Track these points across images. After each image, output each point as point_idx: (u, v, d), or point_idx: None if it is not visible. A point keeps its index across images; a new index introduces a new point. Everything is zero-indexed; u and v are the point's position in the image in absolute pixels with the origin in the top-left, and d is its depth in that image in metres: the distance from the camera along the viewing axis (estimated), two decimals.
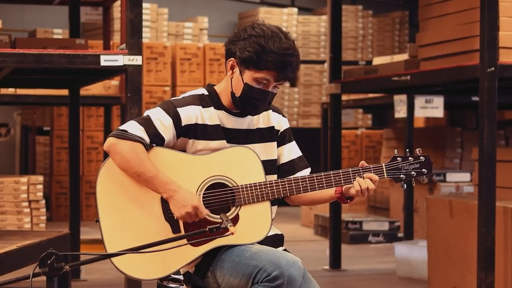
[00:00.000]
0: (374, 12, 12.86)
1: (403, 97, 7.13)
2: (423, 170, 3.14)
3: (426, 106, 6.79)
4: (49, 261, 2.47)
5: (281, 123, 3.28)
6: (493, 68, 4.89)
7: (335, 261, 6.93)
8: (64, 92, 6.75)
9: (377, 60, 8.10)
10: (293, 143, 3.29)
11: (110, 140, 3.04)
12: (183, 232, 3.02)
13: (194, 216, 2.99)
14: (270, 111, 3.26)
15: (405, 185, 3.16)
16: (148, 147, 3.04)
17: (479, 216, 4.97)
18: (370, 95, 8.76)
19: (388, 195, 9.42)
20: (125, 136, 3.02)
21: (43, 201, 7.60)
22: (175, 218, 3.04)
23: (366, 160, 11.08)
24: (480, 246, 4.94)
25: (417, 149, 3.18)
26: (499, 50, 4.95)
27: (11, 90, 7.57)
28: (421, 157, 3.15)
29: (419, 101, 6.77)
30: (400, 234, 8.39)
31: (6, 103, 9.28)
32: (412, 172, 3.13)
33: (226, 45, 3.15)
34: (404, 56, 6.96)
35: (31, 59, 4.41)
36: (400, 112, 7.11)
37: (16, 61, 4.42)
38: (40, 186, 7.54)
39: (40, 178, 7.64)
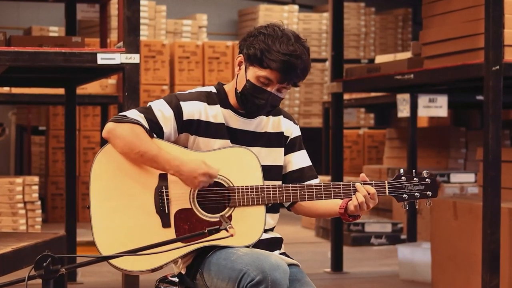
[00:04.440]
0: (377, 9, 12.82)
1: (406, 96, 7.10)
2: (428, 192, 3.07)
3: (430, 105, 6.75)
4: (44, 264, 2.43)
5: (291, 130, 3.24)
6: (498, 67, 4.86)
7: (337, 263, 6.90)
8: (60, 91, 6.72)
9: (380, 58, 8.06)
10: (303, 152, 3.25)
11: (109, 125, 3.02)
12: (172, 226, 2.99)
13: (208, 180, 2.98)
14: (281, 116, 3.23)
15: (407, 205, 3.08)
16: (147, 132, 3.02)
17: (484, 218, 4.92)
18: (373, 94, 8.74)
19: (391, 196, 9.36)
20: (124, 120, 3.01)
21: (39, 202, 7.55)
22: (168, 210, 3.00)
23: (368, 161, 11.10)
24: (484, 248, 4.90)
25: (424, 171, 3.10)
26: (504, 48, 4.91)
27: (6, 89, 7.54)
28: (427, 179, 3.07)
29: (423, 100, 6.74)
30: (403, 236, 8.35)
31: (1, 102, 9.26)
32: (416, 194, 3.07)
33: (240, 42, 3.15)
34: (407, 54, 6.95)
35: (26, 57, 4.37)
36: (403, 111, 7.09)
37: (11, 59, 4.37)
38: (36, 187, 7.49)
39: (36, 179, 7.58)
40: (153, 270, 3.05)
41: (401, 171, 3.08)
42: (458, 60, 5.30)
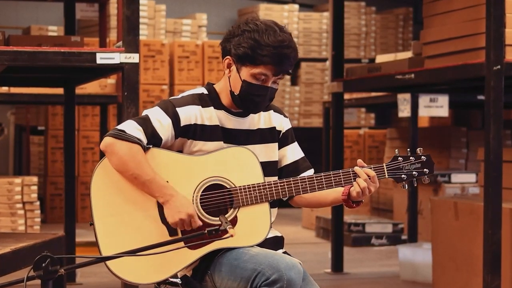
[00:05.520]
0: (377, 8, 12.80)
1: (407, 95, 7.09)
2: (425, 170, 3.10)
3: (431, 105, 6.73)
4: (43, 264, 2.42)
5: (282, 124, 3.23)
6: (499, 66, 4.84)
7: (337, 264, 6.87)
8: (59, 90, 6.71)
9: (380, 58, 8.03)
10: (295, 144, 3.25)
11: (107, 139, 2.99)
12: (179, 235, 2.98)
13: (187, 224, 2.95)
14: (272, 111, 3.22)
15: (406, 185, 3.11)
16: (145, 149, 2.99)
17: (485, 218, 4.91)
18: (373, 94, 8.71)
19: (392, 196, 9.37)
20: (122, 136, 2.97)
21: (38, 203, 7.52)
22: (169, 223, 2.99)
23: (369, 161, 11.07)
24: (486, 249, 4.89)
25: (418, 149, 3.13)
26: (506, 48, 4.90)
27: (4, 89, 7.51)
28: (422, 157, 3.10)
29: (424, 100, 6.72)
30: (404, 237, 8.33)
31: (0, 102, 9.19)
32: (414, 172, 3.09)
33: (222, 44, 3.11)
34: (408, 54, 6.93)
35: (25, 57, 4.35)
36: (404, 111, 7.07)
37: (9, 59, 4.35)
38: (35, 187, 7.46)
39: (35, 179, 7.55)
40: (159, 283, 3.03)
41: (397, 152, 3.11)
42: (459, 60, 5.28)
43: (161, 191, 2.95)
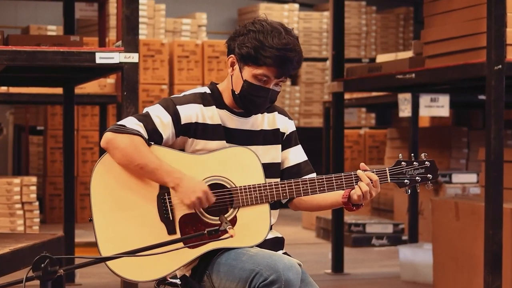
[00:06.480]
0: (378, 8, 12.79)
1: (408, 95, 7.08)
2: (428, 175, 3.08)
3: (432, 105, 6.72)
4: (42, 265, 2.40)
5: (287, 126, 3.22)
6: (500, 66, 4.83)
7: (338, 264, 6.86)
8: (58, 90, 6.70)
9: (381, 58, 8.04)
10: (299, 147, 3.24)
11: (108, 135, 2.98)
12: (178, 233, 2.97)
13: (205, 201, 2.94)
14: (276, 113, 3.21)
15: (409, 190, 3.09)
16: (146, 142, 2.98)
17: (486, 218, 4.90)
18: (374, 94, 8.71)
19: (392, 196, 9.36)
20: (122, 130, 2.97)
21: (37, 203, 7.51)
22: (172, 216, 2.97)
23: (369, 161, 11.06)
24: (487, 249, 4.88)
25: (422, 154, 3.11)
26: (507, 47, 4.88)
27: (3, 89, 7.52)
28: (426, 162, 3.08)
29: (424, 99, 6.71)
30: (405, 237, 8.33)
31: None
32: (417, 178, 3.07)
33: (227, 42, 3.11)
34: (409, 54, 6.92)
35: (24, 57, 4.35)
36: (405, 111, 7.06)
37: (8, 58, 4.35)
38: (34, 188, 7.46)
39: (34, 179, 7.54)
40: (158, 281, 3.03)
41: (400, 156, 3.09)
42: (460, 60, 5.28)
43: (170, 176, 2.94)
